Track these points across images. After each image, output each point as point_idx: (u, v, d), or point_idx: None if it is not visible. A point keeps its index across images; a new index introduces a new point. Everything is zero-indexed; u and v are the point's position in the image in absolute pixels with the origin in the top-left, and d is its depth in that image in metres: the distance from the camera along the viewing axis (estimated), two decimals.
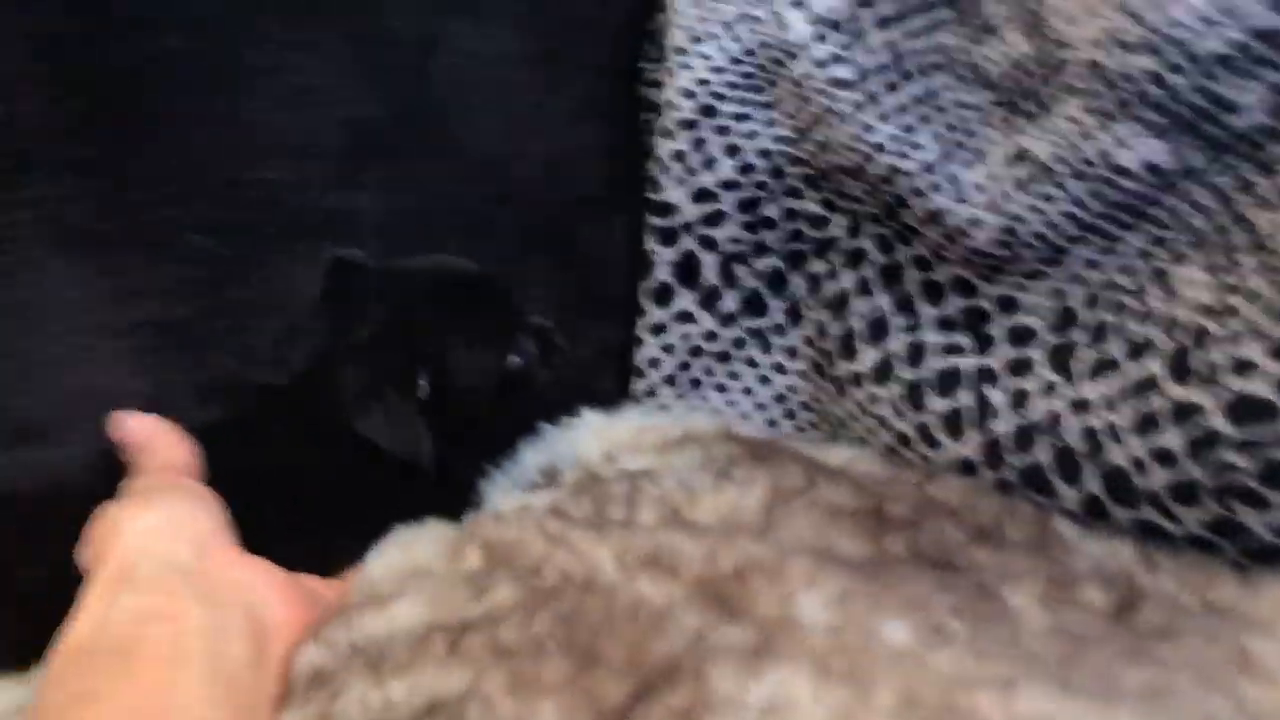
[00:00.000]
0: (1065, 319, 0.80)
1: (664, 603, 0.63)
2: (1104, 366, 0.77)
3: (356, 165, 0.89)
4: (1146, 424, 0.73)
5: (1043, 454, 0.80)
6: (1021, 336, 0.83)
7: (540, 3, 0.90)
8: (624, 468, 0.86)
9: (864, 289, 0.91)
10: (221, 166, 0.83)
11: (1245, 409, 0.67)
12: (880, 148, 0.83)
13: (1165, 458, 0.72)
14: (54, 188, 0.76)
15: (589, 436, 0.93)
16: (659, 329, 0.99)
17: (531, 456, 0.93)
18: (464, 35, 0.88)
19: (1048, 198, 0.76)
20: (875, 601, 0.62)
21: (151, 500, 0.68)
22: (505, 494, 0.89)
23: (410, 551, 0.78)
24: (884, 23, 0.83)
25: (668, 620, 0.61)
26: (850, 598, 0.62)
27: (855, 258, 0.92)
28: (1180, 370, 0.72)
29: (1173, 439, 0.71)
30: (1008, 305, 0.83)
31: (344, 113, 0.87)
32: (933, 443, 0.86)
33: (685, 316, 0.98)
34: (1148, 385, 0.73)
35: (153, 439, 0.74)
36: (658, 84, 0.94)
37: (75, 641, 0.59)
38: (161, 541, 0.63)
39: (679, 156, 0.93)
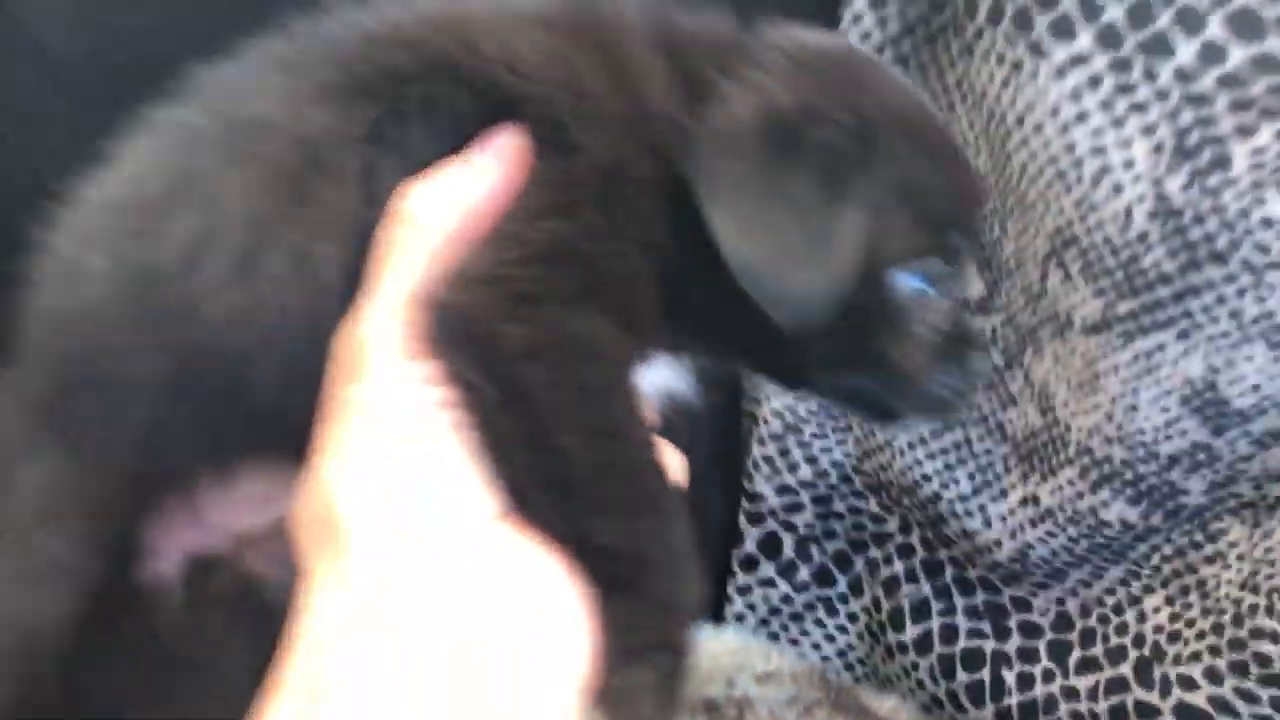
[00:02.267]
0: (1063, 622, 1.05)
1: None
2: (1089, 664, 1.01)
3: None
4: (1118, 715, 0.97)
5: None
6: (1030, 631, 1.07)
7: None
8: (733, 693, 1.12)
9: (911, 576, 1.16)
10: None
11: (1188, 714, 0.91)
12: (927, 478, 1.09)
13: None
14: None
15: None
16: (745, 590, 1.25)
17: None
18: None
19: (1050, 534, 1.02)
20: None
21: None
22: None
23: None
24: None
25: None
26: None
27: (906, 551, 1.17)
28: (1143, 676, 0.96)
29: None
30: (1021, 605, 1.08)
31: None
32: (960, 707, 1.10)
33: (768, 582, 1.24)
34: (1120, 685, 0.97)
35: None
36: (758, 402, 1.22)
37: None
38: None
39: (768, 460, 1.20)
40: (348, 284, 0.46)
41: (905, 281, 0.53)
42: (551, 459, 0.44)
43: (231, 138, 0.50)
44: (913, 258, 0.53)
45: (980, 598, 1.11)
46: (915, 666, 1.14)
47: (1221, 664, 0.90)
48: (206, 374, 0.49)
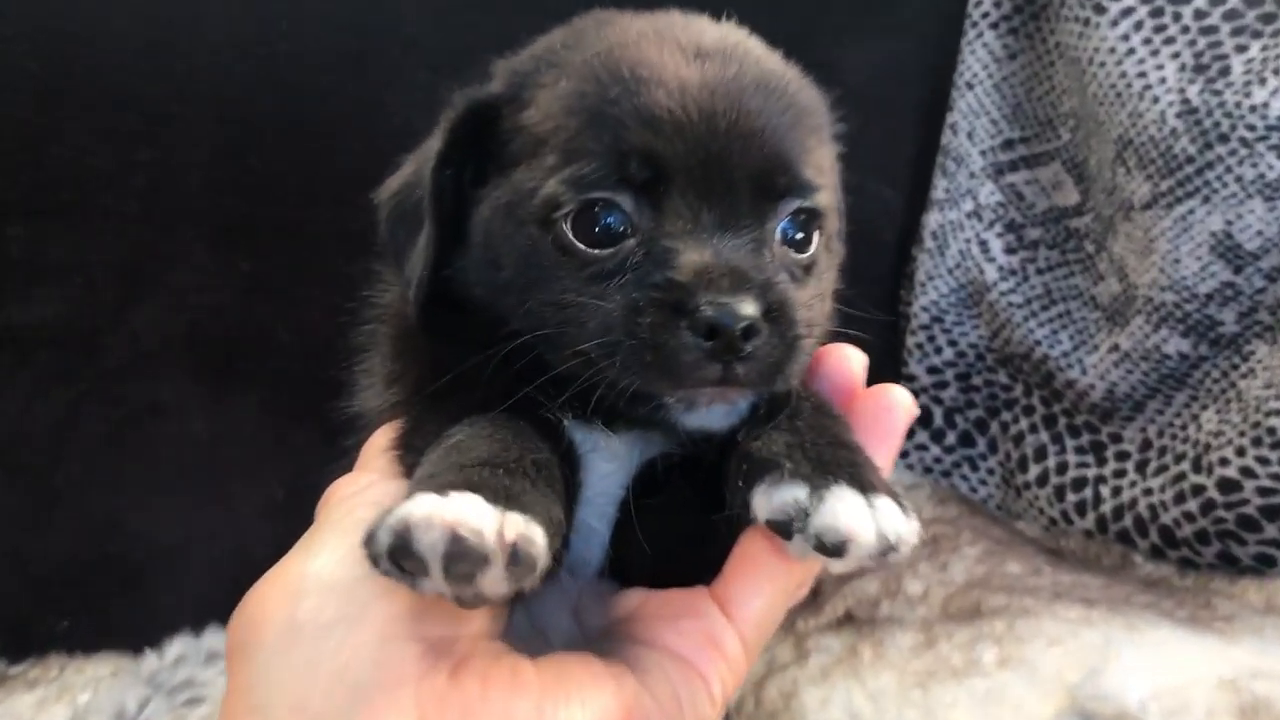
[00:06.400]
0: (1145, 445, 1.37)
1: None
2: (1161, 469, 1.33)
3: None
4: (1179, 499, 1.28)
5: (1128, 521, 1.35)
6: (1121, 456, 1.39)
7: None
8: None
9: (1033, 429, 1.50)
10: None
11: (1227, 485, 1.22)
12: (1039, 342, 1.43)
13: (1190, 517, 1.27)
14: None
15: None
16: (904, 455, 1.60)
17: None
18: None
19: (1129, 371, 1.34)
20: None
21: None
22: None
23: None
24: (1040, 271, 1.45)
25: None
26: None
27: (1029, 410, 1.51)
28: (1197, 465, 1.27)
29: (1193, 506, 1.26)
30: (1115, 439, 1.41)
31: None
32: (1069, 520, 1.43)
33: (921, 447, 1.59)
34: (1180, 476, 1.29)
35: None
36: (908, 303, 1.58)
37: None
38: None
39: (919, 346, 1.55)
40: None
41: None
42: None
43: None
44: (593, 187, 0.54)
45: (1085, 438, 1.44)
46: (1037, 497, 1.47)
47: (1246, 442, 1.21)
48: None
